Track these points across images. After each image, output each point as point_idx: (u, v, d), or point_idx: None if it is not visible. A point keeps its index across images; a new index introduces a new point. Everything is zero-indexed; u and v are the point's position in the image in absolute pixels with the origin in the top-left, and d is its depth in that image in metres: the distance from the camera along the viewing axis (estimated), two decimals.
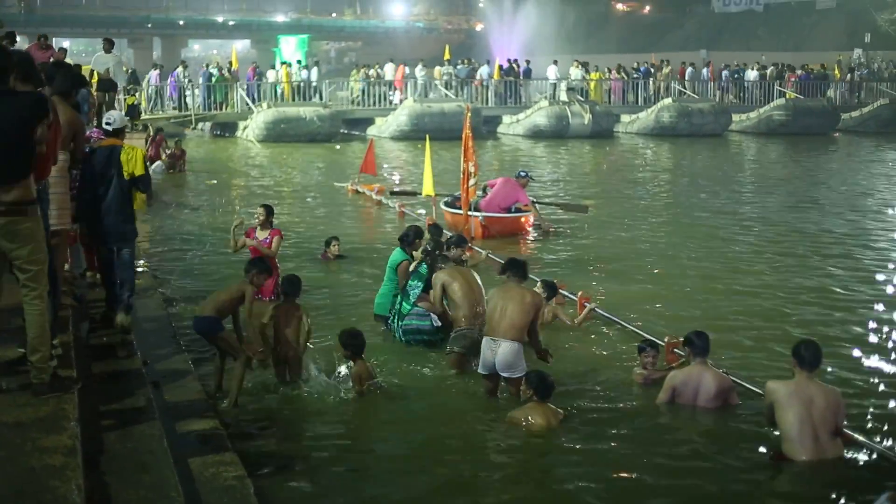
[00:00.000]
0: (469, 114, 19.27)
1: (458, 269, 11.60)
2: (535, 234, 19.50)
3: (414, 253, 12.72)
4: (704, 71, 51.94)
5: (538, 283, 12.74)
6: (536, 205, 20.43)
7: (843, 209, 23.74)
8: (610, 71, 51.17)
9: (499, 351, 9.81)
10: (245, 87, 45.29)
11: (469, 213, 18.62)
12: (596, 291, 14.32)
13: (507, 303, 9.92)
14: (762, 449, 8.72)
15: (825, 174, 32.33)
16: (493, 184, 19.96)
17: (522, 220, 19.52)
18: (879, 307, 14.01)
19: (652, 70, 51.96)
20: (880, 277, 16.07)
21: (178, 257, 17.35)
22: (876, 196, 26.57)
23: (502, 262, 11.37)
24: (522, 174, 20.26)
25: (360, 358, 10.16)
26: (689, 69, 51.92)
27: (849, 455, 8.46)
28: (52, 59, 19.57)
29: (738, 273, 16.42)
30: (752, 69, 52.80)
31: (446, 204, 19.96)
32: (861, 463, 8.44)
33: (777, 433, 8.55)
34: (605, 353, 11.78)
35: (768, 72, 52.14)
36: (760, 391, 9.54)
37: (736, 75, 52.52)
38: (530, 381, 9.34)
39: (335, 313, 13.38)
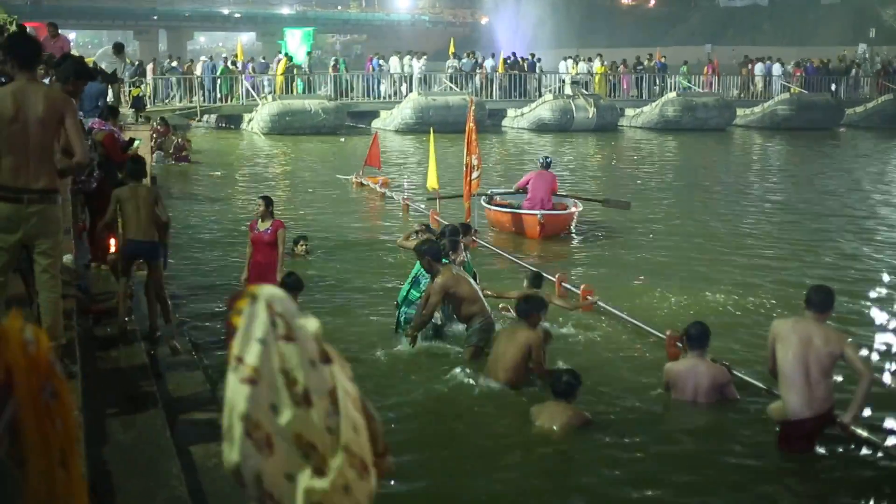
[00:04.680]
0: (473, 107, 19.18)
1: (452, 270, 11.54)
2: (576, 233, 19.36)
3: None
4: (777, 67, 51.54)
5: (528, 274, 12.86)
6: (578, 200, 20.30)
7: (852, 205, 23.75)
8: (616, 66, 51.02)
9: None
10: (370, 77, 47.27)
11: (530, 212, 18.59)
12: (607, 286, 14.36)
13: (503, 346, 10.19)
14: (759, 444, 8.77)
15: (835, 170, 32.30)
16: (526, 182, 19.45)
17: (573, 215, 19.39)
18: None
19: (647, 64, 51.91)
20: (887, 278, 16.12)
21: (182, 250, 17.35)
22: (881, 190, 26.62)
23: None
24: (549, 160, 19.92)
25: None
26: (759, 64, 51.81)
27: (850, 453, 8.50)
28: (62, 50, 19.56)
29: (755, 268, 16.41)
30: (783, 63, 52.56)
31: (487, 202, 19.89)
32: (863, 461, 8.47)
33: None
34: (606, 347, 11.79)
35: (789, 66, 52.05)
36: (763, 385, 9.60)
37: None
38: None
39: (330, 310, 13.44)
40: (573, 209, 19.45)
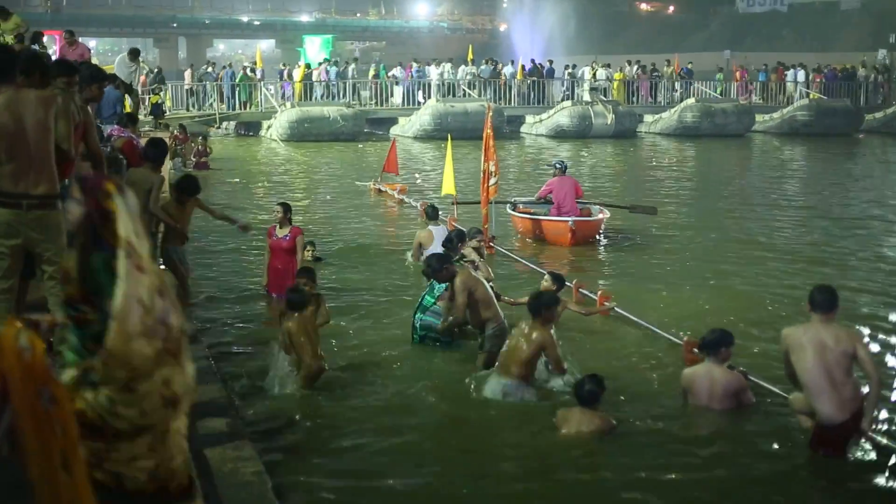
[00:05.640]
0: (490, 113, 19.11)
1: (472, 272, 11.56)
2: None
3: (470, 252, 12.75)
4: (801, 73, 51.51)
5: (545, 276, 12.80)
6: (604, 207, 20.02)
7: (876, 210, 23.64)
8: (636, 70, 50.96)
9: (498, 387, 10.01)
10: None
11: (560, 219, 18.36)
12: (630, 292, 14.36)
13: (516, 342, 10.10)
14: (780, 450, 8.75)
15: (857, 175, 32.20)
16: (549, 189, 19.18)
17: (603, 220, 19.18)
18: None
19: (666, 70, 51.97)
20: None
21: (199, 256, 17.36)
22: None
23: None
24: (565, 164, 19.80)
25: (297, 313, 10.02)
26: (789, 71, 51.82)
27: (872, 458, 8.45)
28: (82, 57, 19.64)
29: (778, 274, 16.34)
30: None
31: (512, 209, 19.87)
32: (884, 467, 8.41)
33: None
34: (624, 354, 11.77)
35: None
36: (783, 393, 9.55)
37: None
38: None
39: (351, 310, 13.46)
40: (600, 215, 19.26)
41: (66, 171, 7.34)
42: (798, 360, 8.30)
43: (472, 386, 10.24)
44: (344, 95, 46.23)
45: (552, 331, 10.22)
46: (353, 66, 51.32)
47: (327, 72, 47.84)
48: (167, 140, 26.84)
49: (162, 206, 11.20)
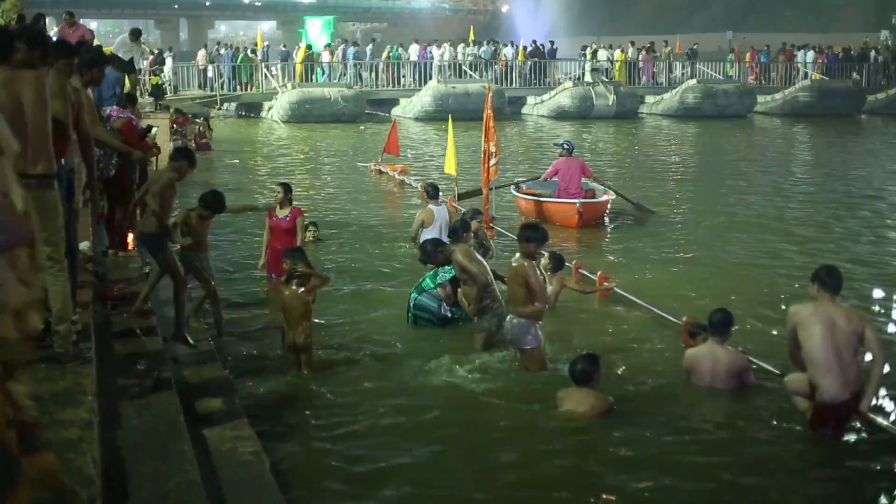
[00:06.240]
0: (491, 94, 19.03)
1: (467, 247, 11.54)
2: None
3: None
4: (810, 54, 51.55)
5: (545, 255, 12.76)
6: (607, 189, 19.80)
7: (878, 191, 23.61)
8: (639, 51, 50.87)
9: (507, 325, 10.19)
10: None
11: (567, 201, 18.16)
12: (630, 273, 14.37)
13: (509, 285, 10.35)
14: (780, 429, 8.76)
15: (861, 155, 32.17)
16: (556, 170, 19.01)
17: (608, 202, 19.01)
18: None
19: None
20: None
21: None
22: None
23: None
24: (571, 144, 19.55)
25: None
26: (800, 52, 51.71)
27: (871, 438, 8.45)
28: (83, 38, 19.57)
29: (780, 255, 16.29)
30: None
31: (516, 189, 19.83)
32: (884, 447, 8.41)
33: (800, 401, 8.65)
34: (624, 334, 11.76)
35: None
36: (779, 372, 9.55)
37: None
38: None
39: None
40: (605, 196, 19.12)
41: (63, 150, 7.32)
42: (806, 337, 8.29)
43: (477, 367, 10.26)
44: (353, 76, 46.21)
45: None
46: (370, 46, 51.41)
47: (344, 52, 47.98)
48: (167, 122, 26.92)
49: (182, 219, 11.01)
